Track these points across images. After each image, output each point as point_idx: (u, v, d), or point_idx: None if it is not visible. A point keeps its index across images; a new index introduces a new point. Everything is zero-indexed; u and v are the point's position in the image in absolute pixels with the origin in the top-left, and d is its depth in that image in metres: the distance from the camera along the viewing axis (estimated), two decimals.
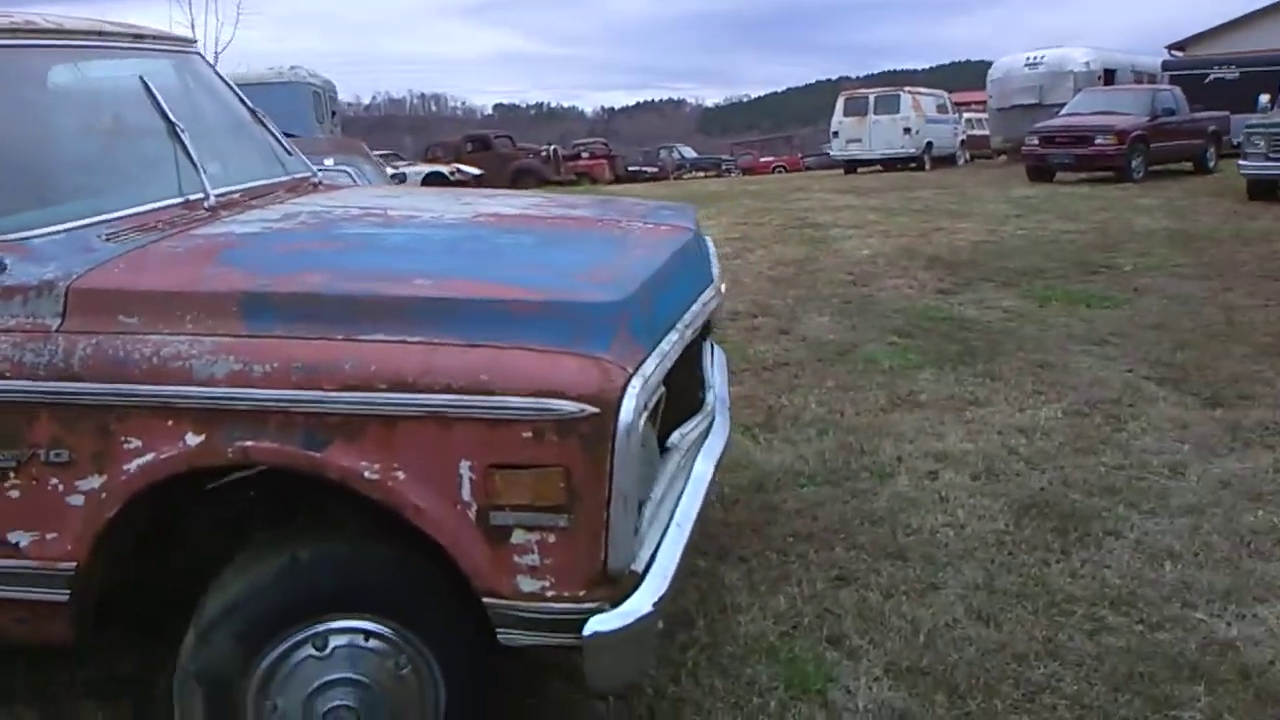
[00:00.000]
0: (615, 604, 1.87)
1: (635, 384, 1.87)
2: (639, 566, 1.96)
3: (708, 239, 3.22)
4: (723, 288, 3.28)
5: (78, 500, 1.92)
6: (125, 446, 1.88)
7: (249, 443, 1.86)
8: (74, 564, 1.94)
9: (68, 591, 1.96)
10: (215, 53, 14.54)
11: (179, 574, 2.16)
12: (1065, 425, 4.34)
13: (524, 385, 1.81)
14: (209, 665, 1.94)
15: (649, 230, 2.71)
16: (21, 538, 1.95)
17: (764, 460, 4.02)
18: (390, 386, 1.83)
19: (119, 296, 1.96)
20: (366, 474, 1.84)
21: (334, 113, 17.56)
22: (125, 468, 1.89)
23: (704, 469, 2.50)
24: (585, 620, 1.84)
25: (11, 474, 1.92)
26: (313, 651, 1.94)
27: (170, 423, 1.87)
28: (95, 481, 1.90)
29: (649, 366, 1.98)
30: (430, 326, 1.89)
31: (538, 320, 1.91)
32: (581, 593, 1.87)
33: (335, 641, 1.94)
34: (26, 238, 2.07)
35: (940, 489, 3.71)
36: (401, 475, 1.84)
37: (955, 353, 5.55)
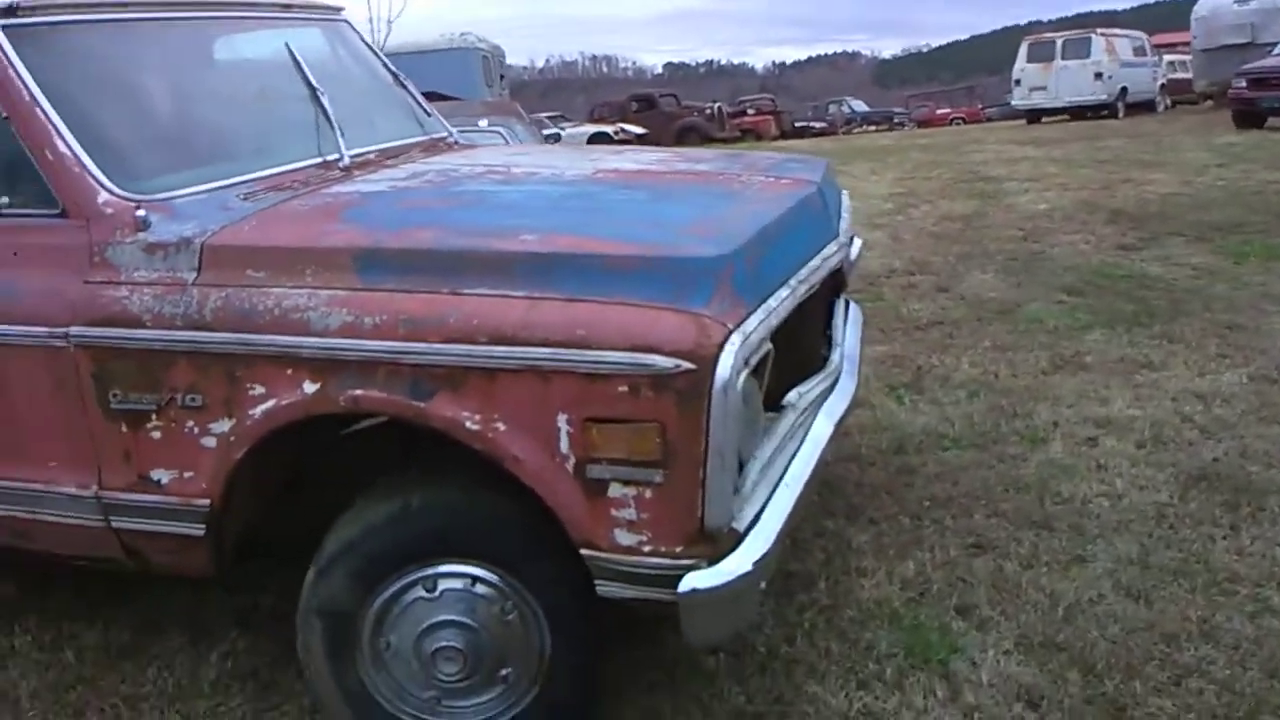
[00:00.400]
0: (713, 561, 1.85)
1: (734, 340, 1.83)
2: (740, 525, 1.92)
3: (842, 193, 3.11)
4: (856, 242, 3.17)
5: (210, 442, 2.05)
6: (250, 393, 2.00)
7: (359, 391, 1.93)
8: (208, 500, 2.08)
9: (203, 526, 2.11)
10: (389, 20, 15.14)
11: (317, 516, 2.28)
12: (1250, 391, 3.98)
13: (621, 340, 1.80)
14: (327, 600, 2.04)
15: (768, 184, 2.63)
16: (163, 475, 2.11)
17: (907, 422, 3.87)
18: (491, 340, 1.85)
19: (247, 252, 2.07)
20: (468, 424, 1.88)
21: (502, 76, 17.98)
22: (251, 413, 2.00)
23: (823, 429, 2.42)
24: (681, 576, 1.82)
25: (153, 415, 2.08)
26: (423, 593, 2.02)
27: (290, 371, 1.96)
28: (225, 425, 2.03)
29: (751, 323, 1.92)
30: (533, 281, 1.91)
31: (639, 275, 1.89)
32: (678, 549, 1.85)
33: (444, 585, 2.01)
34: (170, 198, 2.21)
35: (1098, 457, 3.48)
36: (501, 426, 1.87)
37: (1131, 313, 5.17)
